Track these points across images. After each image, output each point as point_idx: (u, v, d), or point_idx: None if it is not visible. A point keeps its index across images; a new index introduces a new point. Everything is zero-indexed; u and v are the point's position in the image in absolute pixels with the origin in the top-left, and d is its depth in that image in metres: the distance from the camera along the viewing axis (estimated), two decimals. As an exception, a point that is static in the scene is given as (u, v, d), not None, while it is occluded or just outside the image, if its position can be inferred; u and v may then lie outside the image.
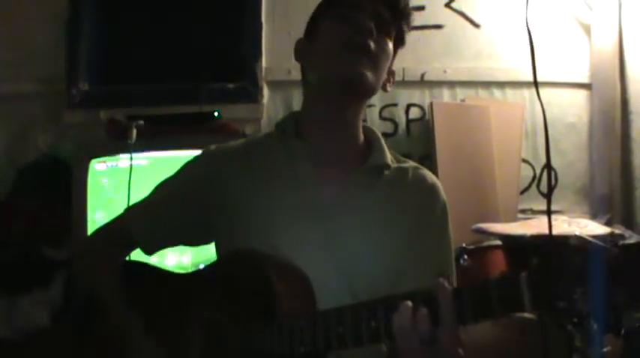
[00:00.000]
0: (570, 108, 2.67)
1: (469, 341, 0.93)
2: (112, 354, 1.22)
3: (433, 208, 1.28)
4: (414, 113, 2.69)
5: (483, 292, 0.85)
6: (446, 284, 0.89)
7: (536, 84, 1.80)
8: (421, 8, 2.64)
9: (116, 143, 2.27)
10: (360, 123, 1.31)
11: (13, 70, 2.73)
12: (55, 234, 2.27)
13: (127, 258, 1.39)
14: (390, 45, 1.27)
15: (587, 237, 1.62)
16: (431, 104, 2.57)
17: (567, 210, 2.59)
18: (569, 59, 2.67)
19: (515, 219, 2.51)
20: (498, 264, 2.12)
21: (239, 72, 2.70)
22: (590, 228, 2.15)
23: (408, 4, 1.30)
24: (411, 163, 1.34)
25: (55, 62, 2.71)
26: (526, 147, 2.64)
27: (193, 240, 1.38)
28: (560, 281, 0.77)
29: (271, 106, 2.70)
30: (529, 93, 2.63)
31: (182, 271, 1.33)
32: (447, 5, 2.71)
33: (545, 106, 1.81)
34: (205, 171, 1.30)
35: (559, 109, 2.65)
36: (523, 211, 2.61)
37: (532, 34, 1.76)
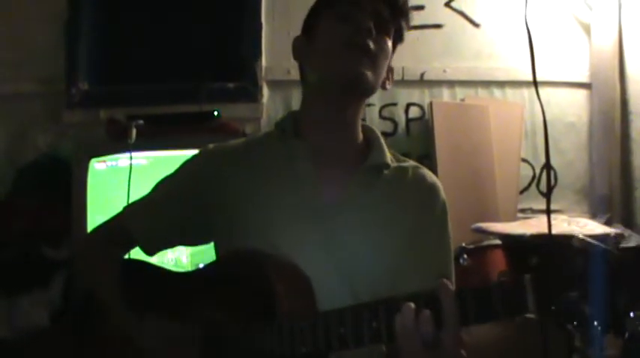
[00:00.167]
0: (570, 108, 2.67)
1: (470, 341, 0.93)
2: (112, 353, 1.22)
3: (433, 208, 1.28)
4: (414, 112, 2.69)
5: (487, 294, 0.85)
6: (449, 285, 0.89)
7: (535, 83, 1.80)
8: (421, 8, 2.63)
9: (116, 143, 2.27)
10: (360, 123, 1.31)
11: (13, 70, 2.72)
12: (55, 234, 2.27)
13: (127, 257, 1.38)
14: (389, 43, 1.27)
15: (589, 240, 1.62)
16: (430, 103, 2.57)
17: (567, 209, 2.59)
18: (569, 59, 2.67)
19: (514, 219, 2.51)
20: (498, 263, 2.12)
21: (239, 71, 2.70)
22: (589, 227, 2.15)
23: (406, 1, 1.30)
24: (410, 162, 1.33)
25: (55, 62, 2.71)
26: (526, 146, 2.64)
27: (193, 239, 1.37)
28: (562, 284, 0.78)
29: (271, 106, 2.70)
30: (529, 92, 2.63)
31: (181, 270, 1.33)
32: (447, 5, 2.70)
33: (544, 106, 1.81)
34: (204, 170, 1.30)
35: (559, 109, 2.65)
36: (523, 211, 2.61)
37: (532, 33, 1.77)
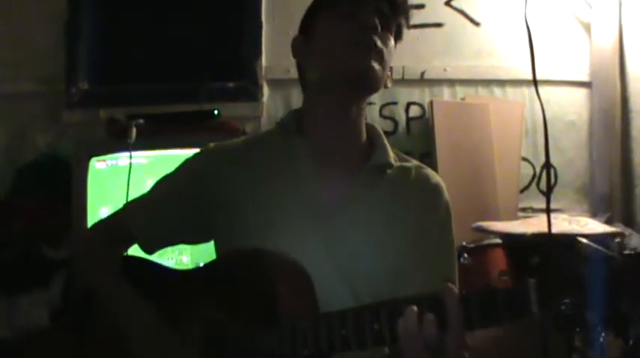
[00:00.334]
0: (570, 107, 2.67)
1: (469, 342, 0.93)
2: (112, 352, 1.21)
3: (436, 208, 1.27)
4: (414, 111, 2.69)
5: (491, 298, 0.85)
6: (454, 289, 0.89)
7: (535, 82, 1.80)
8: (421, 6, 2.63)
9: (116, 142, 2.27)
10: (363, 122, 1.30)
11: (13, 69, 2.73)
12: (55, 234, 2.27)
13: (126, 254, 1.38)
14: (392, 40, 1.26)
15: (592, 244, 1.62)
16: (431, 102, 2.56)
17: (567, 208, 2.59)
18: (569, 57, 2.67)
19: (515, 218, 2.51)
20: (498, 262, 2.12)
21: (239, 70, 2.69)
22: (590, 226, 2.15)
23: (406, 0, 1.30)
24: (414, 162, 1.33)
25: (55, 62, 2.71)
26: (526, 145, 2.64)
27: (193, 238, 1.37)
28: (564, 288, 0.77)
29: (271, 105, 2.69)
30: (529, 91, 2.62)
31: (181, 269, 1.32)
32: (447, 3, 2.70)
33: (545, 104, 1.81)
34: (205, 168, 1.30)
35: (559, 107, 2.64)
36: (523, 209, 2.61)
37: (532, 32, 1.77)
